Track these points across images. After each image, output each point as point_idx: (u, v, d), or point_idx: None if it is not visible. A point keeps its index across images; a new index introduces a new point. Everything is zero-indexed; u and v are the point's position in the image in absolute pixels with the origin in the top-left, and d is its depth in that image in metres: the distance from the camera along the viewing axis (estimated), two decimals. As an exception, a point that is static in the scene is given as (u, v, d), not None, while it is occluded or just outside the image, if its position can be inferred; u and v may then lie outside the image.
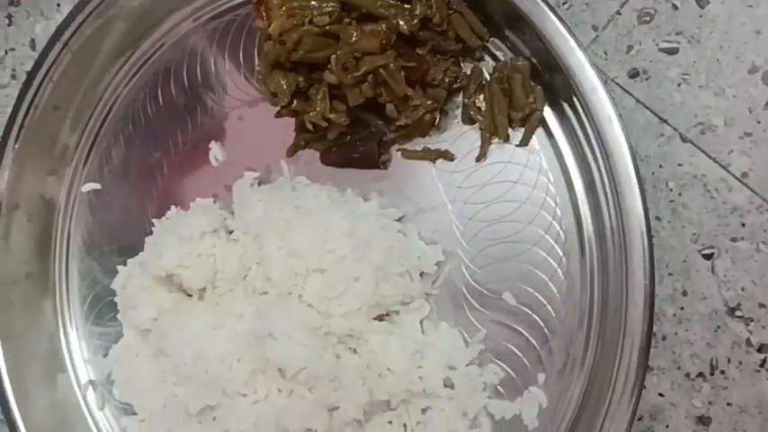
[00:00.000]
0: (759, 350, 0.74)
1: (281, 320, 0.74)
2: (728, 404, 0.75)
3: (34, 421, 0.87)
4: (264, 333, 0.74)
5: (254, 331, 0.75)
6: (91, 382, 0.91)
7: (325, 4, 0.74)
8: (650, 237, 0.68)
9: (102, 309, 0.91)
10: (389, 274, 0.76)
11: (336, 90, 0.77)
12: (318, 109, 0.77)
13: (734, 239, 0.75)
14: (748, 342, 0.74)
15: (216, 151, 0.88)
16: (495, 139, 0.79)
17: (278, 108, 0.80)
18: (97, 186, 0.93)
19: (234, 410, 0.77)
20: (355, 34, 0.73)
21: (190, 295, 0.84)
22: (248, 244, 0.81)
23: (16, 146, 0.88)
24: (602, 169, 0.71)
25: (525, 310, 0.77)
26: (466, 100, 0.79)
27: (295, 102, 0.79)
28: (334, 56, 0.74)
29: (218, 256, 0.82)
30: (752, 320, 0.74)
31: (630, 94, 0.77)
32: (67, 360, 0.92)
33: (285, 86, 0.78)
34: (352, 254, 0.75)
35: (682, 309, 0.76)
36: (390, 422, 0.77)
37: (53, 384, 0.90)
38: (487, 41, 0.79)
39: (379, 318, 0.78)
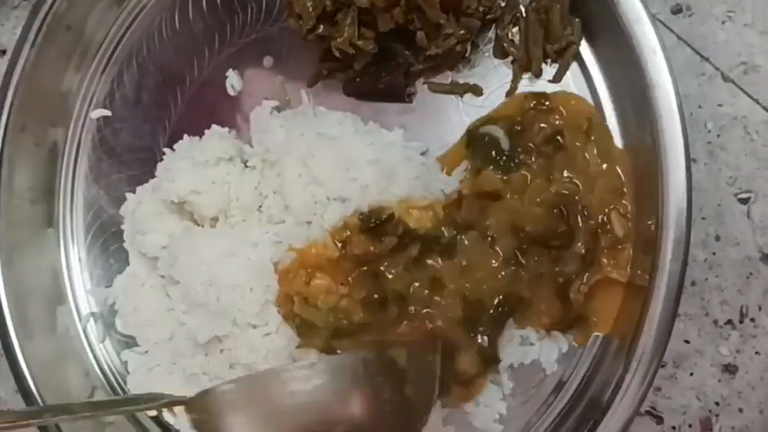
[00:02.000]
0: (793, 298, 0.72)
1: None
2: (757, 353, 0.73)
3: (33, 353, 0.83)
4: (283, 260, 0.71)
5: (273, 258, 0.72)
6: (92, 313, 0.88)
7: None
8: (689, 173, 0.66)
9: (108, 239, 0.88)
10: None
11: (365, 16, 0.74)
12: (346, 34, 0.74)
13: (772, 184, 0.73)
14: (781, 290, 0.73)
15: (233, 80, 0.85)
16: (527, 75, 0.76)
17: (301, 35, 0.77)
18: (107, 113, 0.89)
19: (244, 342, 0.74)
20: (390, -47, 0.70)
21: (201, 225, 0.81)
22: (266, 172, 0.78)
23: (26, 65, 0.84)
24: (639, 105, 0.69)
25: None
26: (499, 32, 0.77)
27: (321, 27, 0.76)
28: (366, -24, 0.71)
29: (233, 184, 0.79)
30: (786, 268, 0.72)
31: (672, 31, 0.75)
32: (69, 291, 0.88)
33: (311, 9, 0.74)
34: (375, 183, 0.73)
35: (713, 254, 0.74)
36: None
37: (53, 316, 0.87)
38: (524, -29, 0.76)
39: (399, 251, 0.76)
